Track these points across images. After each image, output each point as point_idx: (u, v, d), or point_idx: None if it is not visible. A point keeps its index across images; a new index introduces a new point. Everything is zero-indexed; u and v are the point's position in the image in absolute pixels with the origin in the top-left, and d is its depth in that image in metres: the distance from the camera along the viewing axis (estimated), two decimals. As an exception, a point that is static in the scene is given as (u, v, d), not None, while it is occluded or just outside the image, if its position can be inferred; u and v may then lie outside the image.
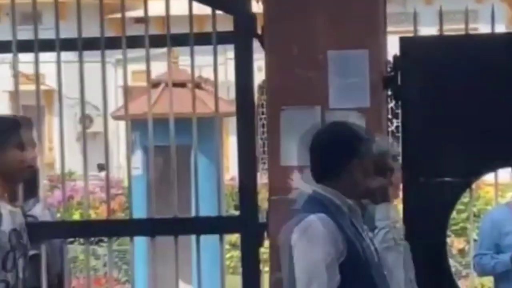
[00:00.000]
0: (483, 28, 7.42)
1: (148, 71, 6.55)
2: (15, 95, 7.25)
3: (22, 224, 4.62)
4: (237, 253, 6.37)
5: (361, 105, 5.80)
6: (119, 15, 6.85)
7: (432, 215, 6.05)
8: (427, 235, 5.98)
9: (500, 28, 7.20)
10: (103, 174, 8.13)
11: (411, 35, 6.52)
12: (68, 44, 6.53)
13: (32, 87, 6.86)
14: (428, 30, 8.14)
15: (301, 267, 3.85)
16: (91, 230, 7.01)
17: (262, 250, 6.13)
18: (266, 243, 6.12)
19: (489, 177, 7.91)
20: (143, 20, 6.50)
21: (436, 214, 6.09)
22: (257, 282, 6.08)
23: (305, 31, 6.08)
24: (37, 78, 6.55)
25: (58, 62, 6.42)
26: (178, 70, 8.81)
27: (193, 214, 6.97)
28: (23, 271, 4.61)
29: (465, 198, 7.41)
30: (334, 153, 3.93)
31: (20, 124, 4.62)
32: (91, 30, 6.62)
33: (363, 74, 5.93)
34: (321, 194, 3.87)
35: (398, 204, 6.04)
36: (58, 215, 8.03)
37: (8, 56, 6.79)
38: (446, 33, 6.48)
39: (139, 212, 7.71)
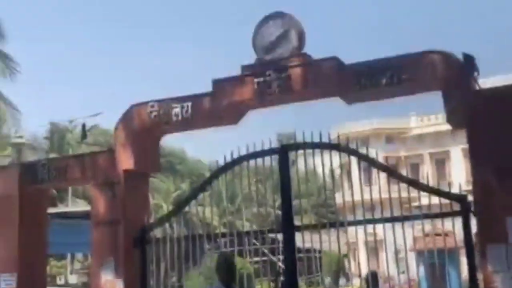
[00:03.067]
0: None
1: (423, 230, 7.49)
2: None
3: None
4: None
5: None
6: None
7: None
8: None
9: None
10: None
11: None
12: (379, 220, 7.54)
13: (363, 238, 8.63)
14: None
15: None
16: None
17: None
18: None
19: None
20: (419, 207, 7.43)
21: None
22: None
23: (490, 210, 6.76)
24: (374, 234, 7.47)
25: (384, 229, 7.53)
26: (436, 228, 8.33)
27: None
28: None
29: None
30: None
31: None
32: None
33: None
34: None
35: None
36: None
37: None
38: None
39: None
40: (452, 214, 7.21)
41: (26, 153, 27.55)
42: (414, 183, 7.61)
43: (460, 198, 7.20)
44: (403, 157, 45.54)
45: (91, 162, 9.16)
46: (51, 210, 12.62)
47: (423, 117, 46.89)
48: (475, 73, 7.25)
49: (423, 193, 7.40)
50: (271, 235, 12.80)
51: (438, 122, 41.79)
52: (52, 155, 31.75)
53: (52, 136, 42.52)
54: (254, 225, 9.07)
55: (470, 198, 7.11)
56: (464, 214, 7.10)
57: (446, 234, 7.41)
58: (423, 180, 7.75)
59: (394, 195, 7.36)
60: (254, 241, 9.28)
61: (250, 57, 8.26)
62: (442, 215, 7.31)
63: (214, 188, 8.80)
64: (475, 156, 7.09)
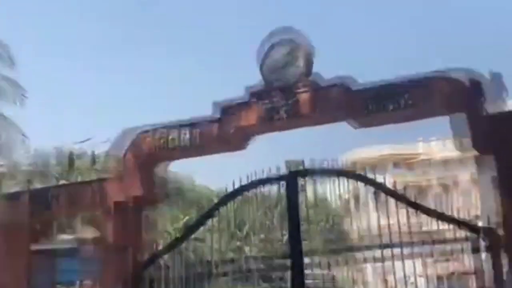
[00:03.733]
0: None
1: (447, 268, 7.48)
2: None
3: None
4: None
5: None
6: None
7: None
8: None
9: None
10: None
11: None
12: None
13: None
14: None
15: None
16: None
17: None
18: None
19: None
20: (425, 232, 7.31)
21: None
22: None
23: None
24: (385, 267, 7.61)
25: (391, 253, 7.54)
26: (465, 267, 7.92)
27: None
28: None
29: None
30: None
31: None
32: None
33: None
34: None
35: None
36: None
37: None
38: None
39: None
40: (477, 249, 6.77)
41: (35, 179, 27.45)
42: (440, 216, 7.22)
43: (488, 232, 6.72)
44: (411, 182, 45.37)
45: (99, 188, 9.10)
46: (60, 237, 12.52)
47: (431, 142, 46.70)
48: (504, 93, 6.90)
49: (431, 218, 7.22)
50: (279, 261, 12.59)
51: (447, 148, 41.63)
52: (61, 181, 31.63)
53: (61, 161, 42.48)
54: (263, 252, 8.95)
55: (480, 225, 6.91)
56: (494, 249, 6.64)
57: (475, 273, 6.96)
58: (446, 211, 7.40)
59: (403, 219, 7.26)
60: (261, 266, 9.13)
61: (255, 77, 8.17)
62: (472, 251, 6.83)
63: (222, 214, 8.68)
64: (504, 185, 6.60)
